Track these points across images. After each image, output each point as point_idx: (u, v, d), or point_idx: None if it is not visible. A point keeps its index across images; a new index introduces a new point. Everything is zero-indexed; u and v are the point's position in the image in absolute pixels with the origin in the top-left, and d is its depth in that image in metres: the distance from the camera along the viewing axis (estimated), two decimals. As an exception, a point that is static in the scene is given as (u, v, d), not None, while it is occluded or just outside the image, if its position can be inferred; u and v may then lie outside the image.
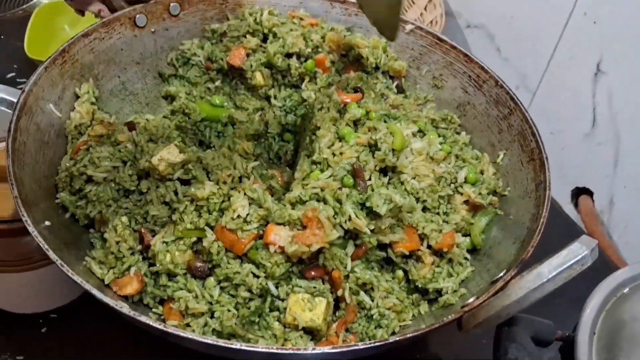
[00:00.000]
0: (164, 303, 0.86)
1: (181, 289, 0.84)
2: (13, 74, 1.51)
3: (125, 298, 0.84)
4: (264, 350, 0.67)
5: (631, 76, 1.32)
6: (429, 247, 0.91)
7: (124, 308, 0.69)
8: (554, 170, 0.93)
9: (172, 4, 1.15)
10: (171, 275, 0.86)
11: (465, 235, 0.98)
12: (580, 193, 1.53)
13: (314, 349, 0.66)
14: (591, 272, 0.84)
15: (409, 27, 1.17)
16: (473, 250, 0.95)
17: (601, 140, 1.43)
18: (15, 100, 1.17)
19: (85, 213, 0.90)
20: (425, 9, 1.70)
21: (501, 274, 0.82)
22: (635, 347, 0.78)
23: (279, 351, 0.67)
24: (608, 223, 1.44)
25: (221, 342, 0.66)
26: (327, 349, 0.67)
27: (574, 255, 0.69)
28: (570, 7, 1.41)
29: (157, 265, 0.84)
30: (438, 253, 0.92)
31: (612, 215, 1.44)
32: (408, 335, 0.70)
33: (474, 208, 1.00)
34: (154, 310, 0.84)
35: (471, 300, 0.80)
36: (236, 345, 0.66)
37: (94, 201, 0.90)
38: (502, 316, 0.73)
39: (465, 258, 0.94)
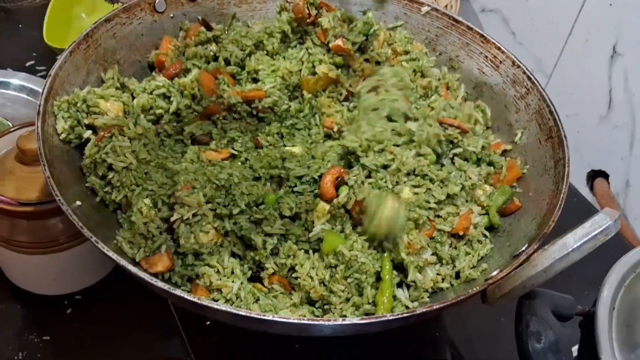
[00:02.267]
0: (191, 282, 0.90)
1: (207, 265, 0.88)
2: (32, 62, 1.56)
3: (154, 276, 0.87)
4: (295, 321, 0.71)
5: (647, 57, 1.35)
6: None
7: (159, 282, 0.73)
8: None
9: (190, -11, 1.19)
10: (198, 254, 0.90)
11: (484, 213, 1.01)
12: (595, 176, 1.56)
13: (344, 319, 0.70)
14: (609, 251, 0.89)
15: (424, 9, 1.22)
16: (491, 228, 0.99)
17: (617, 123, 1.46)
18: (35, 87, 1.22)
19: (112, 198, 0.94)
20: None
21: (523, 248, 0.86)
22: (654, 322, 0.82)
23: (311, 322, 0.70)
24: (624, 205, 1.48)
25: (254, 314, 0.70)
26: (356, 320, 0.71)
27: (599, 225, 0.72)
28: (586, -11, 1.44)
29: (182, 246, 0.87)
30: (456, 235, 0.96)
31: (627, 197, 1.47)
32: (435, 307, 0.74)
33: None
34: (182, 288, 0.88)
35: (495, 273, 0.83)
36: (269, 316, 0.70)
37: (118, 187, 0.94)
38: (527, 286, 0.76)
39: (485, 235, 0.98)
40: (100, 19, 1.08)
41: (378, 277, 0.86)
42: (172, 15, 1.18)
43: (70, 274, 1.10)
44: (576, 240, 0.72)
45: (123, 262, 0.75)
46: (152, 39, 1.16)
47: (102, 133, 0.96)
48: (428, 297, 0.88)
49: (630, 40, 1.38)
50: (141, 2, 1.13)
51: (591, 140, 1.54)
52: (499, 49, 1.14)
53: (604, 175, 1.54)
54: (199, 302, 0.71)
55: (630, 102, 1.41)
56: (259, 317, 0.70)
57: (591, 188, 1.57)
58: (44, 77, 1.45)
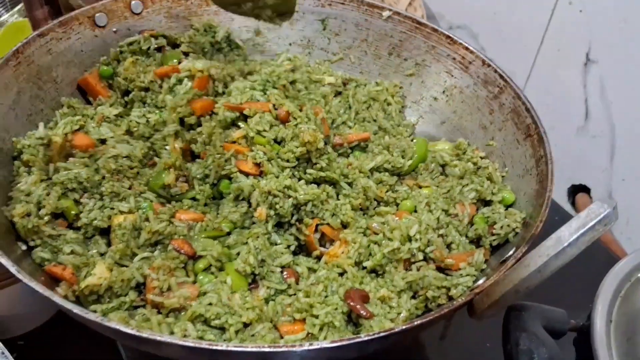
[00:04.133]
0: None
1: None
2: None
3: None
4: (254, 350, 0.63)
5: (622, 62, 1.33)
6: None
7: (91, 315, 0.65)
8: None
9: (133, 2, 1.13)
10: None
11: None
12: (576, 191, 1.53)
13: (311, 344, 0.62)
14: (598, 266, 0.86)
15: (386, 13, 1.17)
16: (479, 239, 0.92)
17: (596, 133, 1.43)
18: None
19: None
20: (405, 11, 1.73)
21: (511, 252, 0.79)
22: (658, 333, 0.76)
23: (271, 349, 0.62)
24: (609, 219, 1.44)
25: (205, 344, 0.62)
26: (325, 344, 0.63)
27: (596, 214, 0.64)
28: (555, -3, 1.43)
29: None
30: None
31: (612, 210, 1.44)
32: (416, 323, 0.67)
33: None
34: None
35: (481, 281, 0.76)
36: (223, 346, 0.62)
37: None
38: (520, 290, 0.68)
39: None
40: (33, 33, 1.01)
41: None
42: (115, 29, 1.11)
43: (11, 317, 1.03)
44: (572, 233, 0.64)
45: (45, 290, 0.67)
46: (93, 54, 1.09)
47: None
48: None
49: (603, 46, 1.36)
50: (79, 16, 1.06)
51: (570, 154, 1.51)
52: (467, 49, 1.10)
53: (585, 189, 1.51)
54: (138, 334, 0.62)
55: (608, 110, 1.39)
56: (209, 347, 0.62)
57: (573, 204, 1.54)
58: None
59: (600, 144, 1.43)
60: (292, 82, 1.05)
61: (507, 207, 0.95)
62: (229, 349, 0.62)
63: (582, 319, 0.81)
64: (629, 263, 0.83)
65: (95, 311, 0.76)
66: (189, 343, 0.62)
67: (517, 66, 1.59)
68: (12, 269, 0.68)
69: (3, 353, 0.87)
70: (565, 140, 1.50)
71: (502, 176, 1.00)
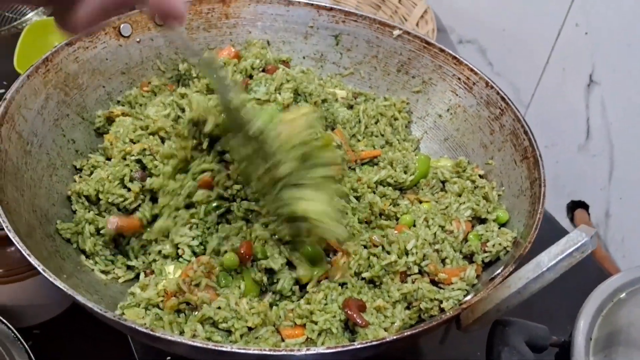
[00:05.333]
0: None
1: None
2: (2, 90, 1.55)
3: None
4: (256, 352, 0.67)
5: (624, 85, 1.34)
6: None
7: (109, 313, 0.70)
8: (548, 184, 0.95)
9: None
10: None
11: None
12: (575, 207, 1.54)
13: (308, 349, 0.67)
14: (589, 282, 0.87)
15: (396, 32, 1.21)
16: (472, 255, 0.96)
17: (596, 152, 1.45)
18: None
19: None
20: (417, 25, 1.75)
21: (499, 271, 0.83)
22: (632, 352, 0.79)
23: (271, 353, 0.67)
24: (604, 236, 1.46)
25: (211, 345, 0.67)
26: (321, 350, 0.68)
27: (574, 242, 0.69)
28: (562, 18, 1.44)
29: None
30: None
31: (608, 227, 1.46)
32: (406, 334, 0.71)
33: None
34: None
35: (469, 297, 0.81)
36: (227, 347, 0.67)
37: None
38: (501, 309, 0.72)
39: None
40: (62, 42, 1.06)
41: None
42: (138, 39, 1.16)
43: (29, 307, 1.06)
44: (550, 259, 0.69)
45: (62, 284, 0.72)
46: (117, 63, 1.14)
47: None
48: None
49: (606, 68, 1.38)
50: (105, 26, 1.11)
51: (571, 171, 1.53)
52: (472, 70, 1.13)
53: (583, 206, 1.53)
54: (151, 333, 0.67)
55: (607, 131, 1.41)
56: (215, 348, 0.67)
57: (571, 220, 1.56)
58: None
59: (600, 163, 1.44)
60: (324, 101, 1.10)
61: (502, 225, 0.99)
62: (233, 350, 0.66)
63: (565, 335, 0.84)
64: (613, 284, 0.86)
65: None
66: (197, 343, 0.67)
67: (523, 82, 1.61)
68: (39, 268, 0.73)
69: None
70: (567, 157, 1.52)
71: (499, 195, 1.03)
